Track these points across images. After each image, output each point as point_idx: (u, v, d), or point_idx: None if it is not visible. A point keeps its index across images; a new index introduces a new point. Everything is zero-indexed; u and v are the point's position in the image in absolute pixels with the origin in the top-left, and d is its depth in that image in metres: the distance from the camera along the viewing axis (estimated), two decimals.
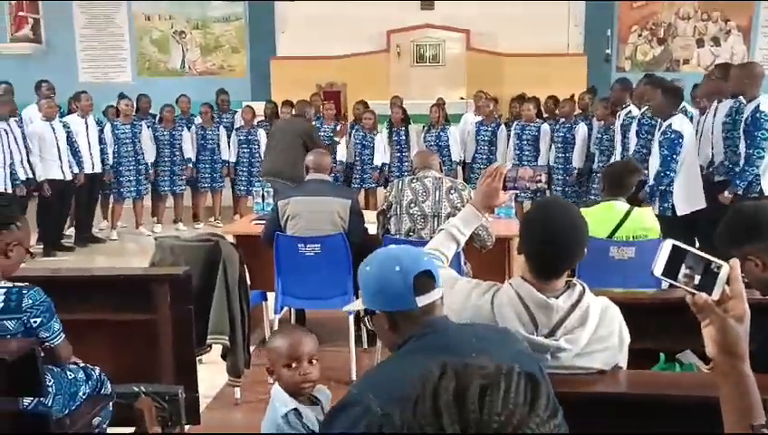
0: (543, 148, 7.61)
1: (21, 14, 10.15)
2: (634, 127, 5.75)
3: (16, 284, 2.38)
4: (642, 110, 5.79)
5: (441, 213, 3.77)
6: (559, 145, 7.55)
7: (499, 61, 10.45)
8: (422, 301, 1.60)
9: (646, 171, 4.89)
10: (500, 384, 0.83)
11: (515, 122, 7.89)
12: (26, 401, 2.35)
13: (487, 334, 1.68)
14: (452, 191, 3.82)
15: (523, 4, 10.06)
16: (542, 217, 1.92)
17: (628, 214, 3.65)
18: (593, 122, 7.33)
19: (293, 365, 1.98)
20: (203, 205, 8.63)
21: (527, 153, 7.65)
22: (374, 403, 1.43)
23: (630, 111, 6.13)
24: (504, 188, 2.32)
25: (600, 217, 3.58)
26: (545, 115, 8.29)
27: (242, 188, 8.51)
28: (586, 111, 7.82)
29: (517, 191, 5.71)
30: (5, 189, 6.35)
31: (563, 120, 7.62)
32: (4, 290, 2.34)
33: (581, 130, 7.37)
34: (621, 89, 6.65)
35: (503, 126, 8.05)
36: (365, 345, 4.42)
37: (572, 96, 8.06)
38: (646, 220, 3.72)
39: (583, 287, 1.89)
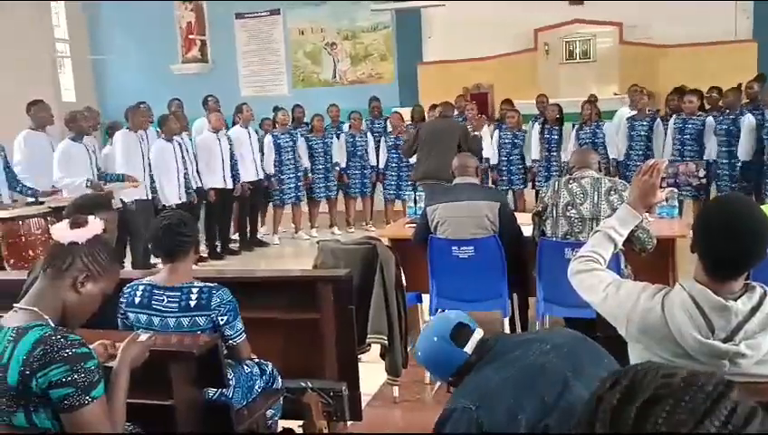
0: (709, 142, 7.14)
1: (191, 36, 11.04)
2: None
3: (207, 283, 2.62)
4: None
5: (600, 216, 3.62)
6: (723, 138, 7.06)
7: (655, 53, 9.95)
8: (469, 347, 1.86)
9: None
10: (672, 397, 0.79)
11: (675, 116, 7.47)
12: (210, 391, 2.57)
13: (556, 339, 1.88)
14: (612, 192, 3.67)
15: None
16: (721, 213, 1.80)
17: None
18: (765, 112, 6.78)
19: None
20: (354, 210, 8.92)
21: (689, 148, 7.21)
22: (466, 403, 1.68)
23: None
24: (662, 186, 2.22)
25: None
26: (708, 107, 7.77)
27: (391, 192, 8.69)
28: (755, 101, 7.24)
29: (677, 189, 5.40)
30: (180, 199, 6.94)
31: (728, 111, 7.12)
32: (197, 289, 2.59)
33: (748, 120, 6.83)
34: None
35: (659, 120, 7.66)
36: None
37: (739, 85, 7.51)
38: None
39: (764, 290, 1.78)
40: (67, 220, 2.00)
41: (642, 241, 3.53)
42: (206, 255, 7.41)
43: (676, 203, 4.62)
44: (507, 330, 4.02)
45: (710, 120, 7.22)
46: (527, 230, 4.14)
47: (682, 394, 0.80)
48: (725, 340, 1.73)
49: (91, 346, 1.83)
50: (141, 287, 2.65)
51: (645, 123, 7.61)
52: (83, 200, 3.10)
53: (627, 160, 7.63)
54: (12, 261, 4.65)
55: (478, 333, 1.91)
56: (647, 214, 3.60)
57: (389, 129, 8.84)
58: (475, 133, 7.63)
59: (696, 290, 1.77)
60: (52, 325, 1.81)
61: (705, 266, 1.78)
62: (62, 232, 1.94)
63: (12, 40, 9.71)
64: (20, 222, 4.73)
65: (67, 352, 1.72)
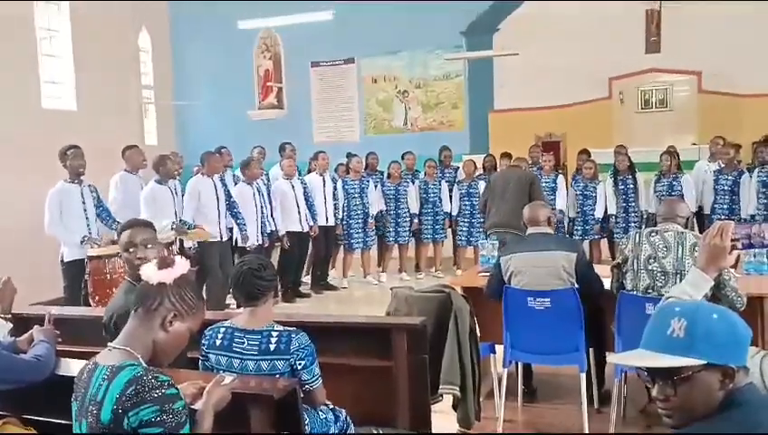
0: None
1: (269, 84, 11.42)
2: None
3: (287, 328, 2.66)
4: None
5: (684, 271, 3.46)
6: None
7: (737, 102, 9.68)
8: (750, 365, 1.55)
9: None
10: None
11: (759, 168, 7.21)
12: None
13: None
14: (697, 248, 3.54)
15: (766, 38, 9.26)
16: None
17: None
18: None
19: None
20: (425, 255, 8.93)
21: None
22: None
23: None
24: (737, 247, 2.14)
25: None
26: None
27: (462, 239, 8.68)
28: None
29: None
30: (257, 241, 7.11)
31: None
32: (277, 333, 2.63)
33: None
34: None
35: (746, 174, 7.39)
36: (596, 405, 4.23)
37: None
38: None
39: None
40: (155, 261, 2.07)
41: (731, 300, 3.35)
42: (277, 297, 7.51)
43: (765, 259, 4.41)
44: (584, 386, 3.90)
45: None
46: (605, 282, 4.04)
47: None
48: None
49: (180, 386, 1.87)
50: (222, 330, 2.70)
51: (731, 177, 7.37)
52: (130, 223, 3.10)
53: (711, 214, 7.38)
54: (97, 298, 4.84)
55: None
56: (732, 270, 3.45)
57: (461, 176, 8.86)
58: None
59: None
60: (144, 365, 1.87)
61: None
62: (150, 273, 2.01)
63: (102, 85, 10.26)
64: (105, 260, 4.92)
65: (157, 393, 1.77)
